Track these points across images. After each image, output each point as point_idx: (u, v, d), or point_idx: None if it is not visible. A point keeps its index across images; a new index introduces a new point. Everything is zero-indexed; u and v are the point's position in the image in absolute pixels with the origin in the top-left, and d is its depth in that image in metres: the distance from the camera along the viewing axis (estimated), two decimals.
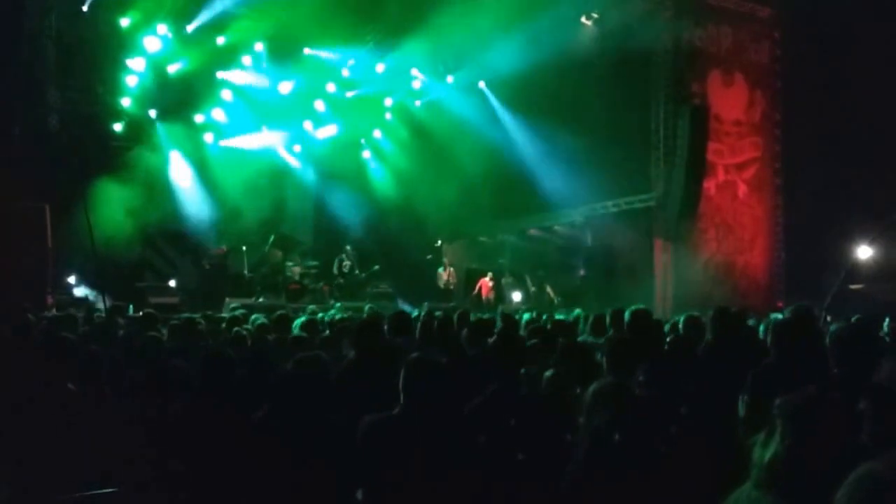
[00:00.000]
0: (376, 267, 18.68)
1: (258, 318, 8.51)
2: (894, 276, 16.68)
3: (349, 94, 19.86)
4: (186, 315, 9.27)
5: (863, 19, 15.42)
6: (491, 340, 5.04)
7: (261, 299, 16.18)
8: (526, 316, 9.82)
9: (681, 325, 6.47)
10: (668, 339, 5.96)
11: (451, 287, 19.02)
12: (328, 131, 20.15)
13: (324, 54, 18.66)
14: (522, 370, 4.71)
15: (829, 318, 8.29)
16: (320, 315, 10.04)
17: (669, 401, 3.98)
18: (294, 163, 20.12)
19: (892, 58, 15.49)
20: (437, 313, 8.86)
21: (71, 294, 15.06)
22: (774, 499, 2.16)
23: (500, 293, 19.28)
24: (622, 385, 3.59)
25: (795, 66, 18.34)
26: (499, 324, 7.75)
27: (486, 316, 9.78)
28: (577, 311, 9.57)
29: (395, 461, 3.49)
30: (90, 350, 5.22)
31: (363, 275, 18.41)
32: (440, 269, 19.14)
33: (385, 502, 3.51)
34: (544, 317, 9.34)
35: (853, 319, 6.47)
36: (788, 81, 18.95)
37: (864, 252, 18.34)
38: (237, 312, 9.45)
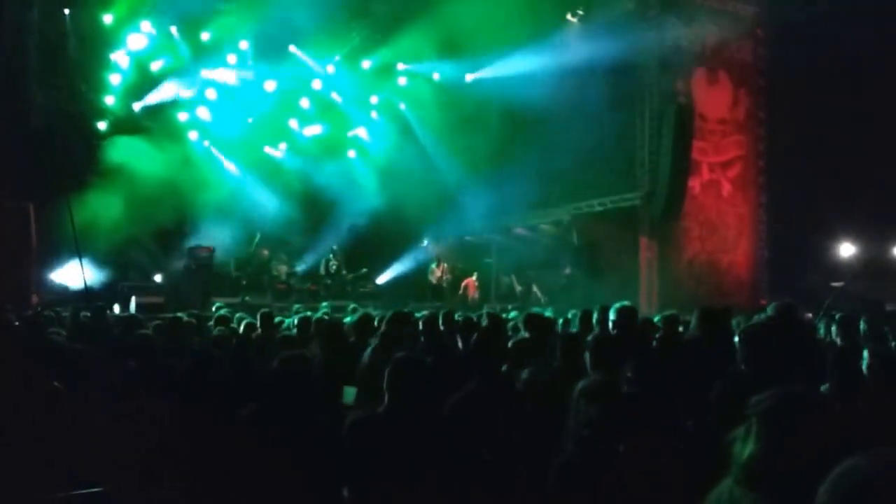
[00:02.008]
0: (364, 269, 18.65)
1: (244, 316, 8.49)
2: (875, 273, 16.83)
3: (334, 93, 19.80)
4: (172, 314, 9.23)
5: (846, 18, 15.51)
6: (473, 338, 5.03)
7: (247, 298, 16.12)
8: (513, 314, 9.82)
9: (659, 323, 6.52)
10: (657, 336, 5.98)
11: (444, 284, 18.84)
12: (314, 129, 20.08)
13: (309, 52, 18.59)
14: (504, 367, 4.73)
15: (810, 315, 8.36)
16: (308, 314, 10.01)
17: (657, 397, 4.00)
18: (279, 160, 20.05)
19: (876, 55, 15.61)
20: (422, 313, 8.86)
21: (62, 289, 14.92)
22: (755, 497, 2.16)
23: (485, 293, 19.30)
24: (609, 382, 3.60)
25: (779, 65, 18.46)
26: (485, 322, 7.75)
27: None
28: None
29: (379, 459, 3.49)
30: (76, 349, 5.20)
31: (350, 275, 18.38)
32: (432, 265, 18.94)
33: (370, 501, 3.51)
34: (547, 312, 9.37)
35: (837, 316, 6.53)
36: (772, 80, 19.07)
37: (847, 250, 18.55)
38: (223, 312, 9.41)
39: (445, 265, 18.95)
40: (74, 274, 14.62)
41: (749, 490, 2.18)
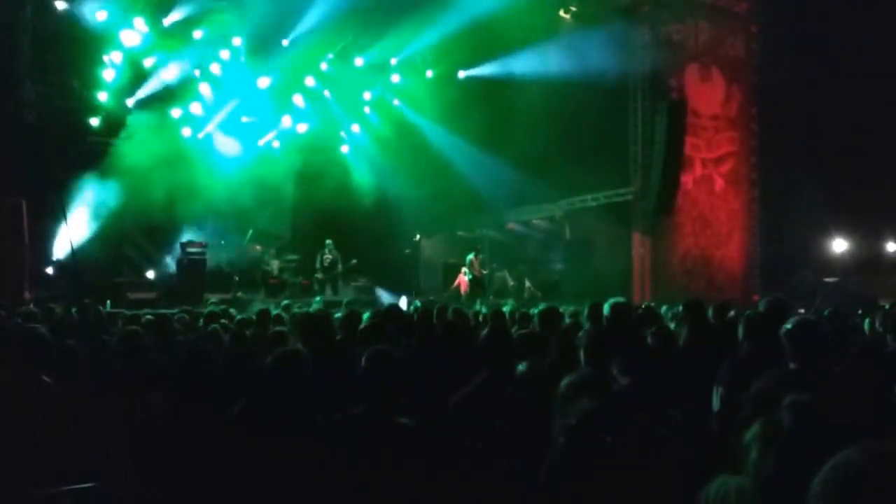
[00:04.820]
0: (353, 261, 18.60)
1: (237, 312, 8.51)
2: (866, 268, 16.90)
3: (327, 89, 19.77)
4: (159, 311, 9.23)
5: (838, 13, 15.55)
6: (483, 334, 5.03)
7: (239, 294, 16.12)
8: (507, 308, 9.83)
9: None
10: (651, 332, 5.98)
11: (483, 276, 18.40)
12: (307, 126, 20.05)
13: (302, 48, 18.55)
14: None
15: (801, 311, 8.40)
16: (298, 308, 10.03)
17: (645, 393, 4.02)
18: (273, 156, 20.00)
19: (869, 52, 15.65)
20: (417, 304, 8.88)
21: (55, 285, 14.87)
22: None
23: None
24: (598, 378, 3.61)
25: (772, 61, 18.50)
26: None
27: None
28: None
29: (359, 458, 3.49)
30: (67, 344, 5.19)
31: (341, 270, 18.35)
32: (470, 257, 18.27)
33: (353, 500, 3.50)
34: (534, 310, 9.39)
35: (825, 313, 6.56)
36: (765, 76, 19.11)
37: (839, 246, 18.61)
38: (214, 308, 9.41)
39: (481, 257, 18.61)
40: (66, 270, 14.62)
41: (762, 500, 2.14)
